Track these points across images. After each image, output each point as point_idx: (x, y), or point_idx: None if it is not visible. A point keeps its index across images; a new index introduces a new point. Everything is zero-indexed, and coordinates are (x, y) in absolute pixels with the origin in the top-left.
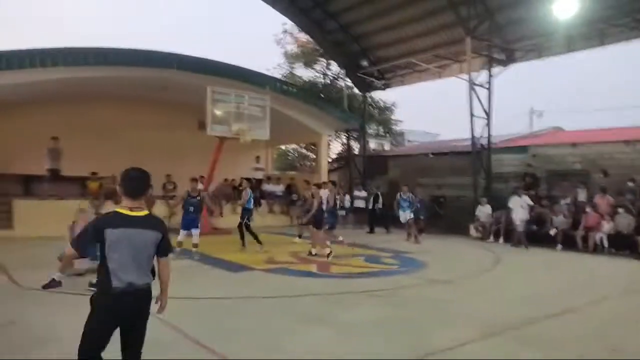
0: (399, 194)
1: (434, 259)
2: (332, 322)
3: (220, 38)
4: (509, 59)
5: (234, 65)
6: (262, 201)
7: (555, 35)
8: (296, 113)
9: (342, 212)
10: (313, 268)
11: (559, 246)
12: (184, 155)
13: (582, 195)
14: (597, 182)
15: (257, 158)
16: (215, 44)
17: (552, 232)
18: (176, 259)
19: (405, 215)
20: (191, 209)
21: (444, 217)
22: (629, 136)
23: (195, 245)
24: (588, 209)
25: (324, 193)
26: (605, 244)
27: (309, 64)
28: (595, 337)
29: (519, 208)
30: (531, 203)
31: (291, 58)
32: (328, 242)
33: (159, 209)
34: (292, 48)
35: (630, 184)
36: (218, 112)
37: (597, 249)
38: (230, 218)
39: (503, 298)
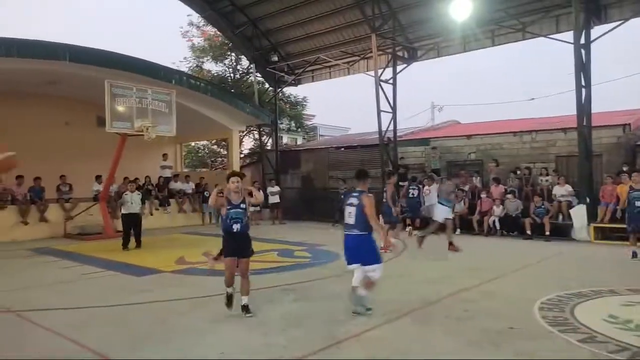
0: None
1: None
2: (246, 319)
3: (128, 34)
4: (411, 57)
5: (134, 58)
6: (171, 200)
7: (452, 36)
8: (205, 108)
9: (257, 208)
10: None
11: (458, 230)
12: (83, 154)
13: (477, 183)
14: (490, 171)
15: (165, 155)
16: (123, 40)
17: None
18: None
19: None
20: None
21: None
22: (516, 128)
23: None
24: (483, 195)
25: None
26: (498, 226)
27: (217, 57)
28: (492, 315)
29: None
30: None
31: (198, 52)
32: None
33: (54, 213)
34: (199, 41)
35: (518, 172)
36: (119, 108)
37: (490, 231)
38: None
39: (408, 282)
